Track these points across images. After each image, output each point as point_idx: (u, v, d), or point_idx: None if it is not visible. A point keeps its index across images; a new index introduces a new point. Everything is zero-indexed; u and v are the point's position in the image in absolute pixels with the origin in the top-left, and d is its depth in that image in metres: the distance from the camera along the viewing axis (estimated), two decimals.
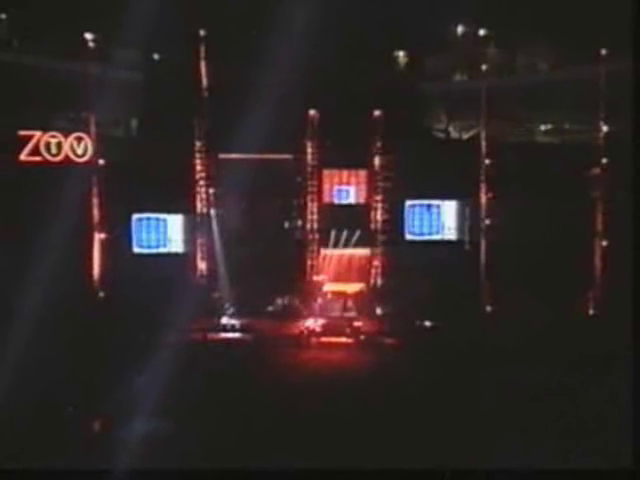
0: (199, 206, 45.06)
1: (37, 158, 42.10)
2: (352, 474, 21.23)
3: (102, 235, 43.43)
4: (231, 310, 43.26)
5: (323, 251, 45.93)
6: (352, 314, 44.21)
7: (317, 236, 45.77)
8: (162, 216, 45.15)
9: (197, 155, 44.73)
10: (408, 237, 46.36)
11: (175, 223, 45.54)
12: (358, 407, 27.94)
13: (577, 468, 20.61)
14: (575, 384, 28.89)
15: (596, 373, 29.19)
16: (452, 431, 24.96)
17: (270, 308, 44.29)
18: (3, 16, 43.08)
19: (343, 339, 40.82)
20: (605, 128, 43.47)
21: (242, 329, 41.94)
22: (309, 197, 45.56)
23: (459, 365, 32.63)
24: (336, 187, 46.35)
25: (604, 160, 43.55)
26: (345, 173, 46.42)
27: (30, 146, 42.03)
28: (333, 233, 45.66)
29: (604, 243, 43.68)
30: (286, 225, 46.66)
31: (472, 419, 26.18)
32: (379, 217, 45.88)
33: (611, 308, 37.80)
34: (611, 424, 23.64)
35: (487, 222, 45.04)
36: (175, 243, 45.60)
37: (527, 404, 27.39)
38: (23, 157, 42.01)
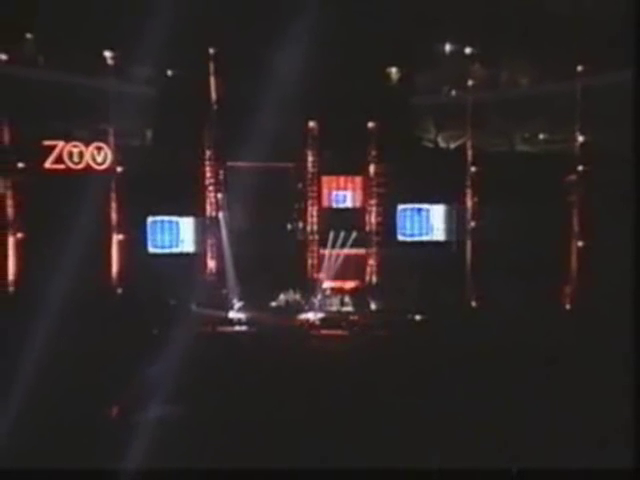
0: (208, 209, 46.47)
1: (61, 166, 43.28)
2: (346, 473, 21.07)
3: (120, 236, 44.72)
4: (238, 305, 44.43)
5: (322, 251, 47.08)
6: (349, 309, 45.39)
7: (317, 237, 47.21)
8: (175, 219, 46.22)
9: (207, 163, 46.17)
10: (400, 238, 47.53)
11: (186, 225, 46.66)
12: (352, 403, 27.47)
13: (577, 468, 20.11)
14: (574, 383, 28.01)
15: (596, 372, 28.41)
16: (448, 429, 24.06)
17: (274, 303, 45.32)
18: (29, 36, 43.72)
19: (340, 331, 42.17)
20: (580, 138, 44.60)
21: (248, 323, 43.11)
22: (309, 201, 47.10)
23: (447, 354, 33.13)
24: (334, 192, 47.52)
25: (579, 167, 44.51)
26: (342, 179, 47.59)
27: (54, 155, 43.20)
28: (332, 234, 46.72)
29: (580, 244, 44.84)
30: (288, 227, 47.83)
31: (467, 417, 25.20)
32: (373, 220, 47.38)
33: (610, 307, 33.89)
34: (611, 424, 22.38)
35: (472, 224, 46.65)
36: (187, 244, 46.69)
37: (525, 403, 26.42)
38: (48, 165, 43.18)
